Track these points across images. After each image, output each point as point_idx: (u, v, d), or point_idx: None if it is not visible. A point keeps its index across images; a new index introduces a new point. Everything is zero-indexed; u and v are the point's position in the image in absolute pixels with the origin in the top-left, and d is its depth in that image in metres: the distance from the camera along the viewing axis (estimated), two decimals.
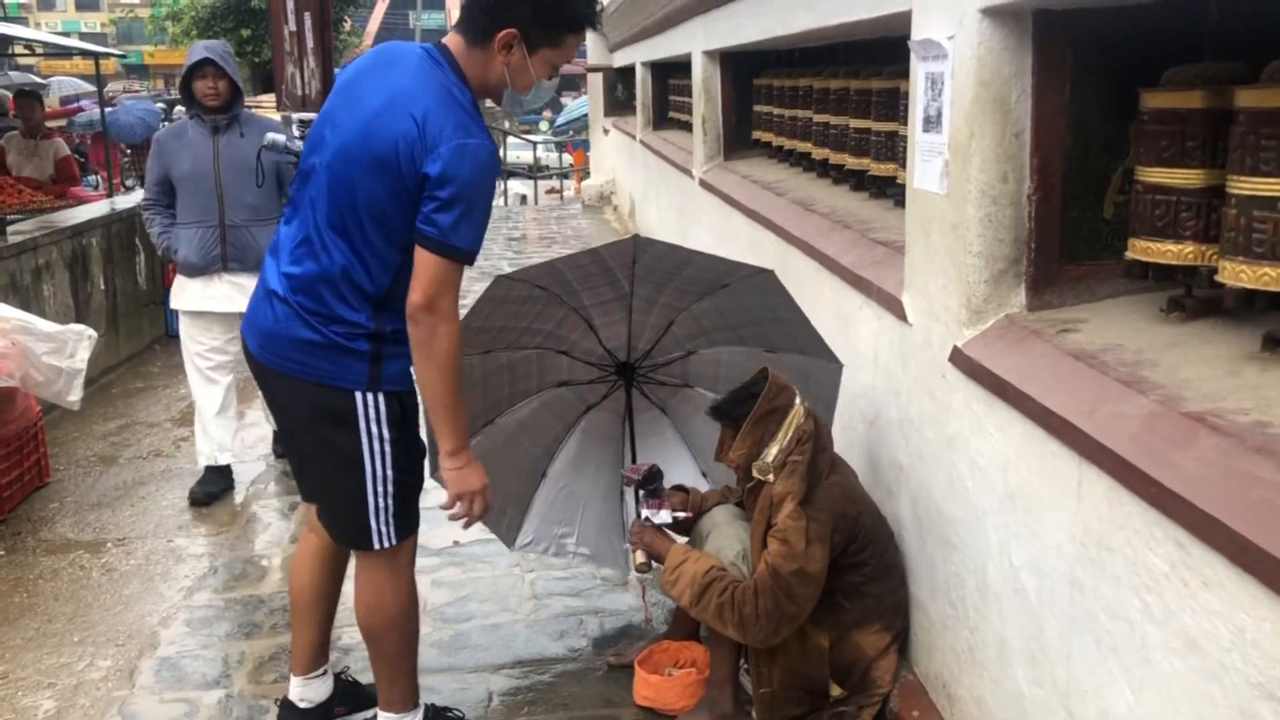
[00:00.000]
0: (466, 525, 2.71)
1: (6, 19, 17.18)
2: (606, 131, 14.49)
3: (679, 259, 3.04)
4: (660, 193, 9.16)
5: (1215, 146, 2.10)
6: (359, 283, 2.45)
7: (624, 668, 3.27)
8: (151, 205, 4.69)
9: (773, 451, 2.76)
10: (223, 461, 4.83)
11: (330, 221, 2.45)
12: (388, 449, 2.54)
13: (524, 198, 17.88)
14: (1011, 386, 2.26)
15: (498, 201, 17.26)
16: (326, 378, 2.50)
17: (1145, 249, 2.24)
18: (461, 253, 2.38)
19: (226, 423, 4.79)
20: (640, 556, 2.98)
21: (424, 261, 2.37)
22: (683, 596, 2.76)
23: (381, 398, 2.51)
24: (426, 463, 2.82)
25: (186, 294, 4.66)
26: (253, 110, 5.02)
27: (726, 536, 2.90)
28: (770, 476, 2.76)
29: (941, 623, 2.76)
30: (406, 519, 2.66)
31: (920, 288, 2.82)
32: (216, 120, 4.60)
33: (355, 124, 2.43)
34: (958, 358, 2.56)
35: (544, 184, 19.09)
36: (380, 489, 2.56)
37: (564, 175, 19.99)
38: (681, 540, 3.03)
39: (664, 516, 3.02)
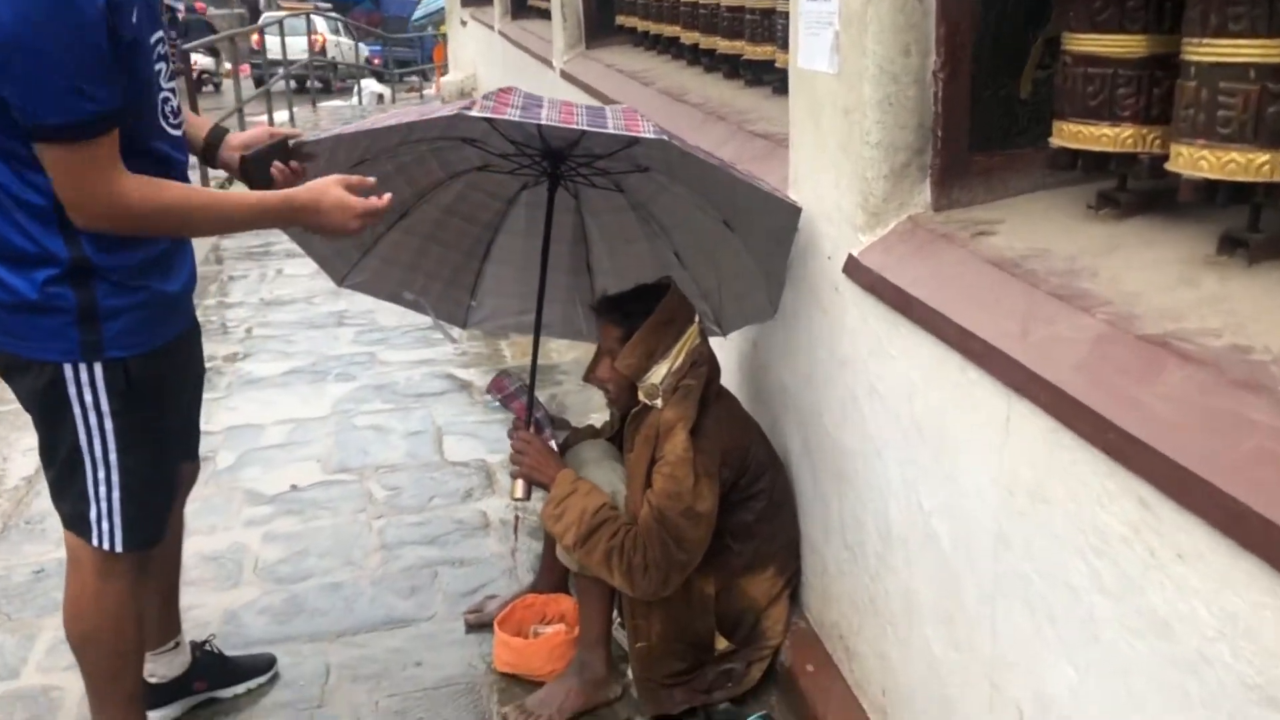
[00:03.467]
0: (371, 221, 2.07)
1: None
2: (464, 23, 13.62)
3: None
4: (521, 86, 8.55)
5: (1161, 6, 1.73)
6: (23, 198, 1.83)
7: (484, 627, 2.89)
8: None
9: (661, 371, 2.40)
10: None
11: None
12: (108, 425, 1.98)
13: (380, 97, 16.88)
14: (919, 302, 1.90)
15: (350, 101, 16.28)
16: (24, 349, 1.94)
17: (1075, 134, 1.87)
18: (64, 129, 1.70)
19: None
20: (519, 488, 2.53)
21: (45, 160, 1.76)
22: (566, 535, 2.37)
23: (99, 369, 1.95)
24: None
25: None
26: None
27: (596, 479, 2.49)
28: (658, 401, 2.39)
29: (838, 568, 2.44)
30: (140, 524, 2.09)
31: (809, 185, 2.42)
32: None
33: None
34: (853, 268, 2.19)
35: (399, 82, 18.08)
36: (102, 476, 2.02)
37: (422, 73, 18.97)
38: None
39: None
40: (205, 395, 2.45)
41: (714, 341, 2.81)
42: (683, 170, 2.57)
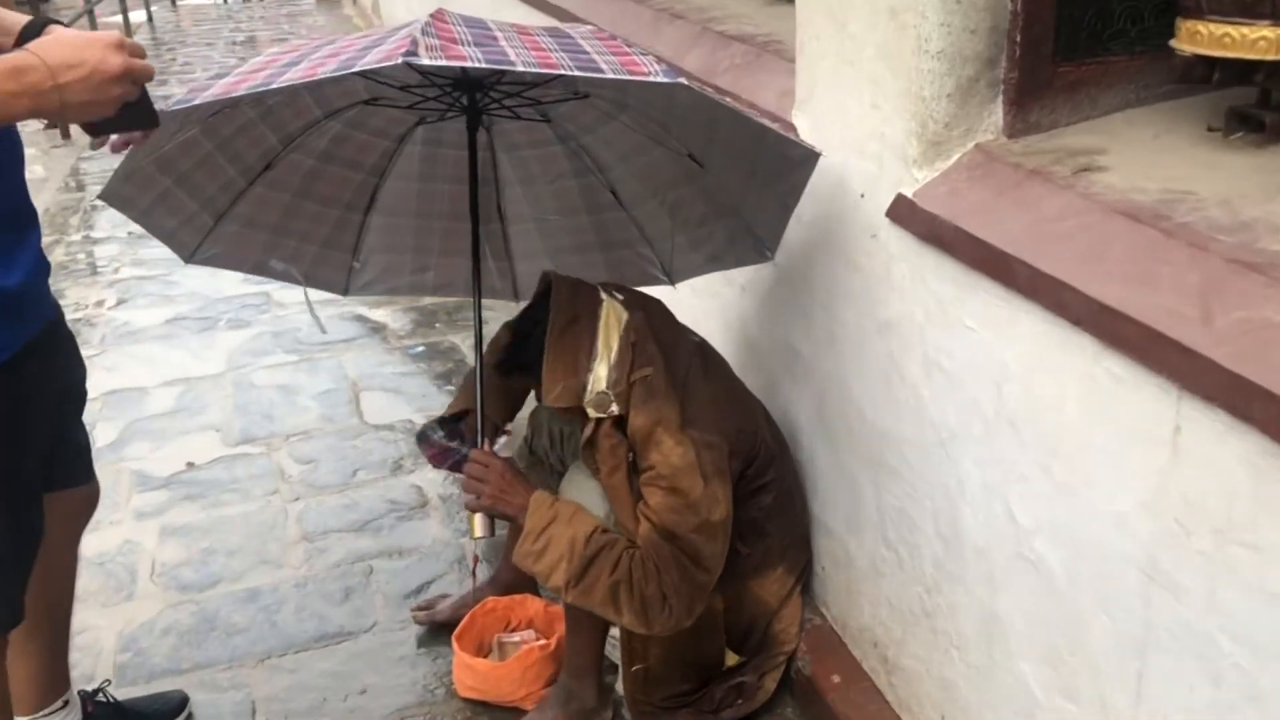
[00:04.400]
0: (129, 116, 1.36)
1: None
2: None
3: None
4: None
5: None
6: None
7: (440, 633, 2.44)
8: None
9: (602, 373, 1.88)
10: None
11: None
12: None
13: None
14: (1022, 264, 1.46)
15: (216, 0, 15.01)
16: None
17: (1219, 37, 1.44)
18: None
19: None
20: (480, 525, 2.00)
21: None
22: (554, 574, 1.88)
23: None
24: None
25: None
26: None
27: (579, 497, 2.00)
28: (614, 409, 1.89)
29: (871, 565, 2.05)
30: None
31: (829, 106, 1.95)
32: None
33: None
34: (904, 212, 1.74)
35: None
36: None
37: None
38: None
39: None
40: None
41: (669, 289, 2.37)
42: (641, 99, 2.05)
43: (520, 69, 1.46)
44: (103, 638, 2.51)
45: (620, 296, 2.01)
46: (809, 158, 1.90)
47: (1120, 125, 1.68)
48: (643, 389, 1.88)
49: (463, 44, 1.48)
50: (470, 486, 1.97)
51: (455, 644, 2.30)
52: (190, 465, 3.22)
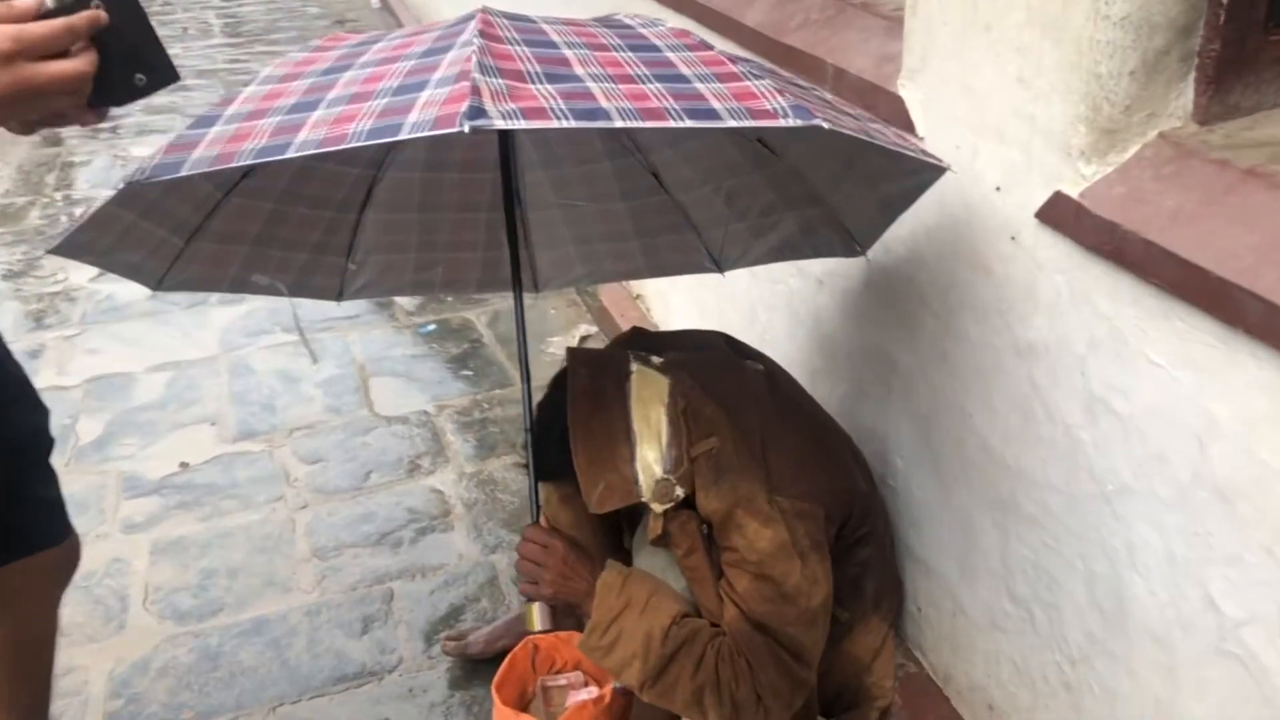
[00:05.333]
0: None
1: None
2: None
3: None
4: None
5: None
6: None
7: (475, 672, 2.16)
8: None
9: (652, 457, 1.58)
10: None
11: None
12: None
13: None
14: (1259, 302, 1.14)
15: None
16: None
17: None
18: None
19: None
20: (539, 616, 1.69)
21: None
22: (626, 671, 1.58)
23: None
24: None
25: None
26: None
27: (661, 561, 1.69)
28: (679, 491, 1.58)
29: (988, 618, 1.75)
30: None
31: (953, 77, 1.61)
32: None
33: None
34: (1066, 214, 1.41)
35: None
36: None
37: None
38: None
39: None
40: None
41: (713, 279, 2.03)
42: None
43: (619, 125, 1.09)
44: (92, 680, 2.21)
45: (655, 359, 1.68)
46: (930, 169, 1.55)
47: None
48: (708, 465, 1.56)
49: (532, 80, 1.12)
50: (526, 569, 1.66)
51: (495, 695, 2.00)
52: (184, 466, 2.90)
